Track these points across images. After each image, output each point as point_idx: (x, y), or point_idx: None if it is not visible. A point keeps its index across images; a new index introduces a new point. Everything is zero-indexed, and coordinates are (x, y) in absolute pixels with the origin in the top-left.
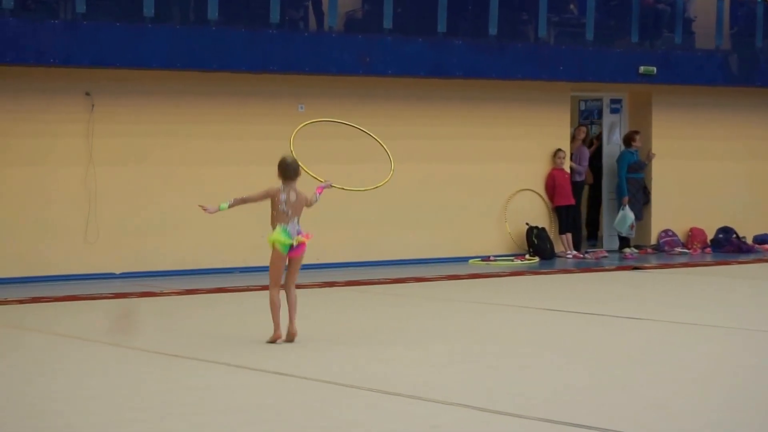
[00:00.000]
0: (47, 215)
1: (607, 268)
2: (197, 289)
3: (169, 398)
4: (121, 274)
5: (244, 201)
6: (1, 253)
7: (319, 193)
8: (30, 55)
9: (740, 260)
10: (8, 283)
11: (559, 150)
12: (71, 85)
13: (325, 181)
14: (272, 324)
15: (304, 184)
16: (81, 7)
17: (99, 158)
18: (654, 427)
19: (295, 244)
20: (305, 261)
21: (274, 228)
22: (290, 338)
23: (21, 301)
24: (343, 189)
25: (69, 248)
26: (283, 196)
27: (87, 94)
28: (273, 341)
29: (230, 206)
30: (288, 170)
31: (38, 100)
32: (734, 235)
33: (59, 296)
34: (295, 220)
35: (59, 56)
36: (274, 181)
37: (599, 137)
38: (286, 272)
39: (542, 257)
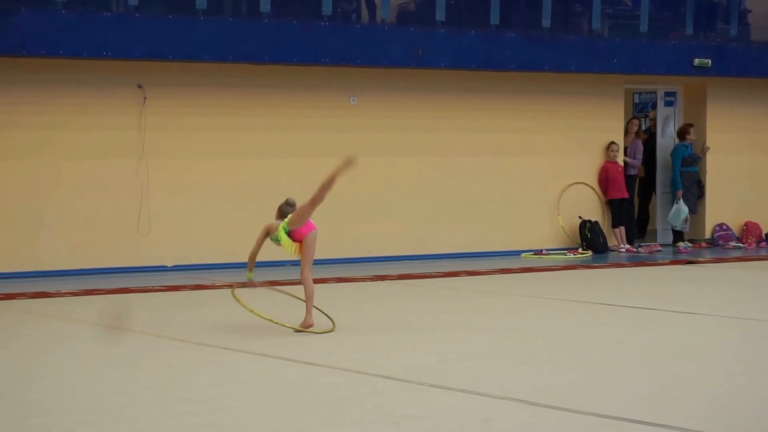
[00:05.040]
0: (100, 208)
1: (660, 262)
2: (248, 282)
3: (220, 390)
4: (173, 266)
5: (255, 254)
6: (55, 246)
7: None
8: (83, 48)
9: None
10: (61, 276)
11: (613, 143)
12: (123, 77)
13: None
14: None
15: None
16: (133, 0)
17: (151, 150)
18: (712, 423)
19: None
20: (354, 254)
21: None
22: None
23: (73, 294)
24: None
25: (121, 241)
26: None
27: (139, 86)
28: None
29: (251, 268)
30: (284, 213)
31: (91, 93)
32: None
33: (111, 289)
34: None
35: (112, 49)
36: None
37: (647, 131)
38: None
39: (595, 251)
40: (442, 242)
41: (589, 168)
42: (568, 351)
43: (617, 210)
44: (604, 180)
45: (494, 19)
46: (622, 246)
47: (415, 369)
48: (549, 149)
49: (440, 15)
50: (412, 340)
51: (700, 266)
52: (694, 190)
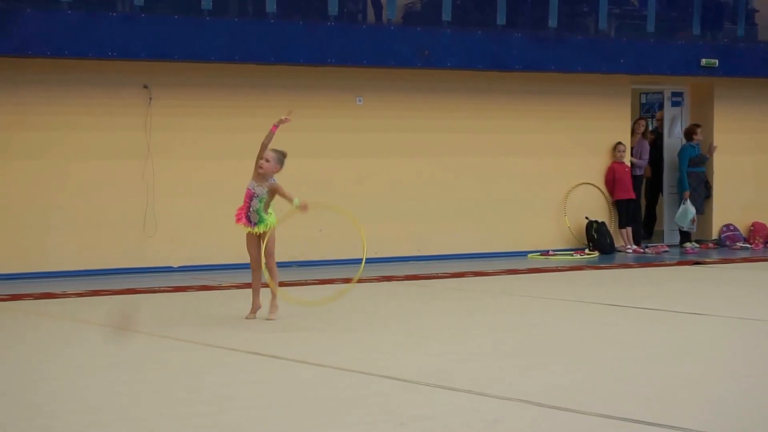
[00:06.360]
0: (106, 208)
1: (667, 263)
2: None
3: (226, 391)
4: (179, 267)
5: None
6: (61, 247)
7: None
8: (88, 49)
9: None
10: (67, 276)
11: (620, 143)
12: (129, 78)
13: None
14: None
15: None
16: (139, 0)
17: (157, 151)
18: (717, 424)
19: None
20: (360, 255)
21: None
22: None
23: (80, 294)
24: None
25: (127, 242)
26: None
27: (145, 86)
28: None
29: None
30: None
31: (96, 93)
32: None
33: (118, 289)
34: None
35: (117, 49)
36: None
37: (654, 132)
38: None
39: (602, 252)
40: (448, 243)
41: (595, 168)
42: (574, 351)
43: (624, 210)
44: (611, 180)
45: (501, 19)
46: (629, 247)
47: (422, 370)
48: (555, 149)
49: (446, 15)
50: (418, 341)
51: (707, 267)
52: (701, 191)
